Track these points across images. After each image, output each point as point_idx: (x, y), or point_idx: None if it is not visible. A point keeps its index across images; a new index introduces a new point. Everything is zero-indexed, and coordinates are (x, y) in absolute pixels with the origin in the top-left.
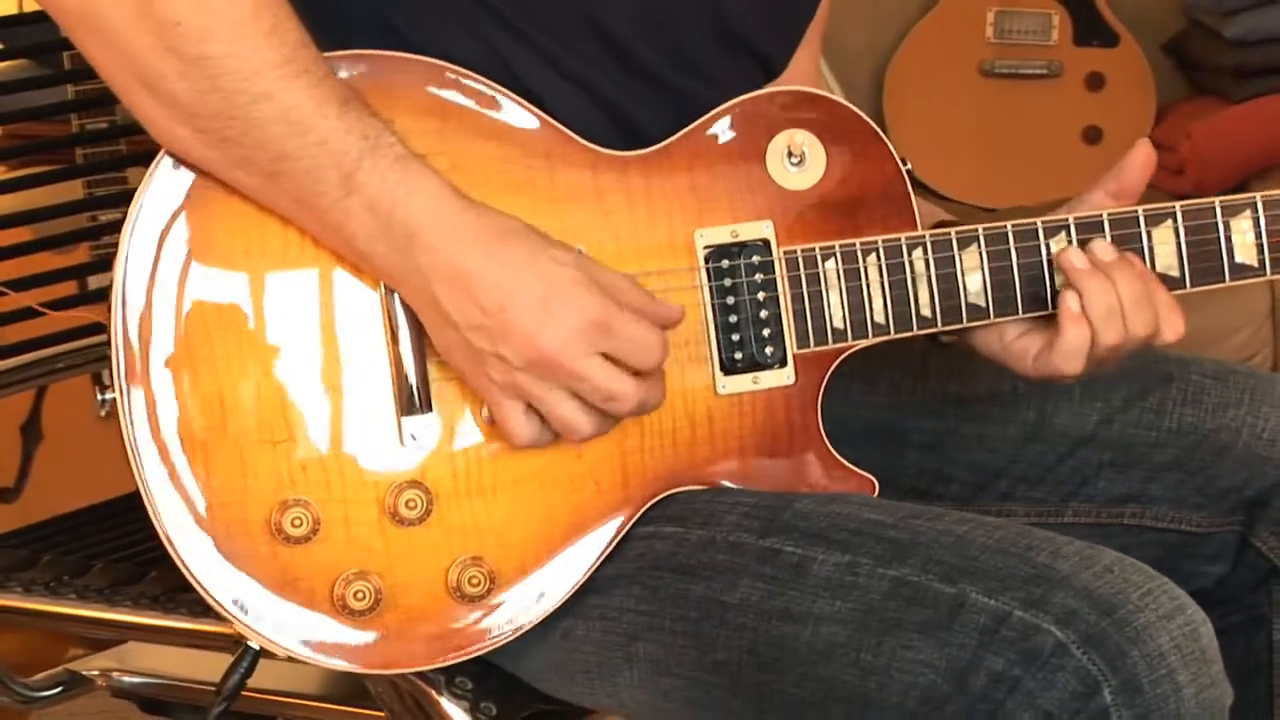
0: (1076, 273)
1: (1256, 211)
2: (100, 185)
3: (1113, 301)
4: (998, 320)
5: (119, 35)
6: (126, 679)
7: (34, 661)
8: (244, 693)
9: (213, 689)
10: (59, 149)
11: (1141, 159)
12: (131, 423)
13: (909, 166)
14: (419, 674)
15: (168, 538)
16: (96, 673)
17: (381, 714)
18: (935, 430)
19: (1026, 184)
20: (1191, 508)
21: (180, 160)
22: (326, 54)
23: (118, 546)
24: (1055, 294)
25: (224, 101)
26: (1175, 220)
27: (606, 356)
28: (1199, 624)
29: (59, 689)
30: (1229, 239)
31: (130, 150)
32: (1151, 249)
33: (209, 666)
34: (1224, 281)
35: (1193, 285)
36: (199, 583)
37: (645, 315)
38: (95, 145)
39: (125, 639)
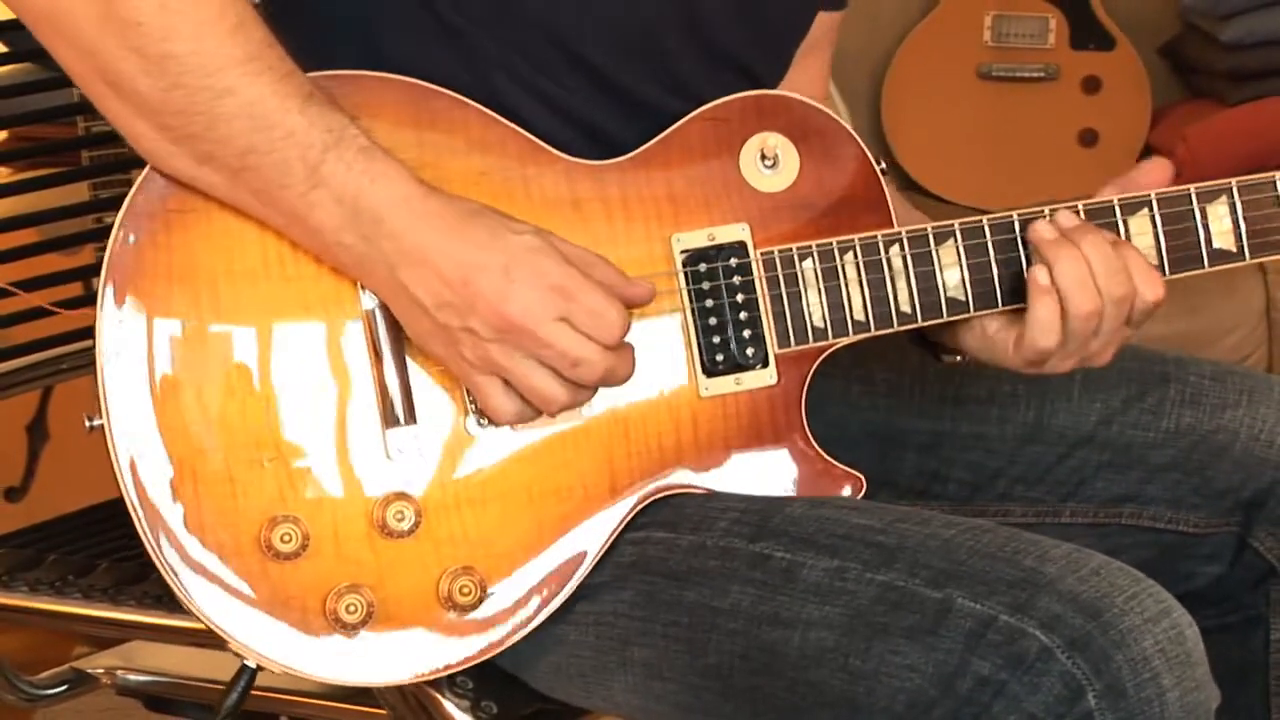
0: (1044, 244)
1: (1233, 197)
2: (105, 187)
3: (1081, 268)
4: (978, 314)
5: (82, 35)
6: (131, 677)
7: (39, 660)
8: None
9: (216, 686)
10: (64, 151)
11: (1156, 174)
12: (119, 447)
13: (883, 167)
14: None
15: (160, 558)
16: (101, 671)
17: (383, 712)
18: (933, 431)
19: (1023, 186)
20: (1189, 508)
21: (152, 164)
22: (308, 74)
23: (122, 546)
24: None
25: (187, 99)
26: (1151, 208)
27: (572, 325)
28: (1184, 627)
29: (64, 687)
30: (1206, 225)
31: (135, 152)
32: (1129, 238)
33: (212, 664)
34: (1204, 268)
35: (1172, 272)
36: (192, 602)
37: (614, 290)
38: (100, 147)
39: (129, 637)
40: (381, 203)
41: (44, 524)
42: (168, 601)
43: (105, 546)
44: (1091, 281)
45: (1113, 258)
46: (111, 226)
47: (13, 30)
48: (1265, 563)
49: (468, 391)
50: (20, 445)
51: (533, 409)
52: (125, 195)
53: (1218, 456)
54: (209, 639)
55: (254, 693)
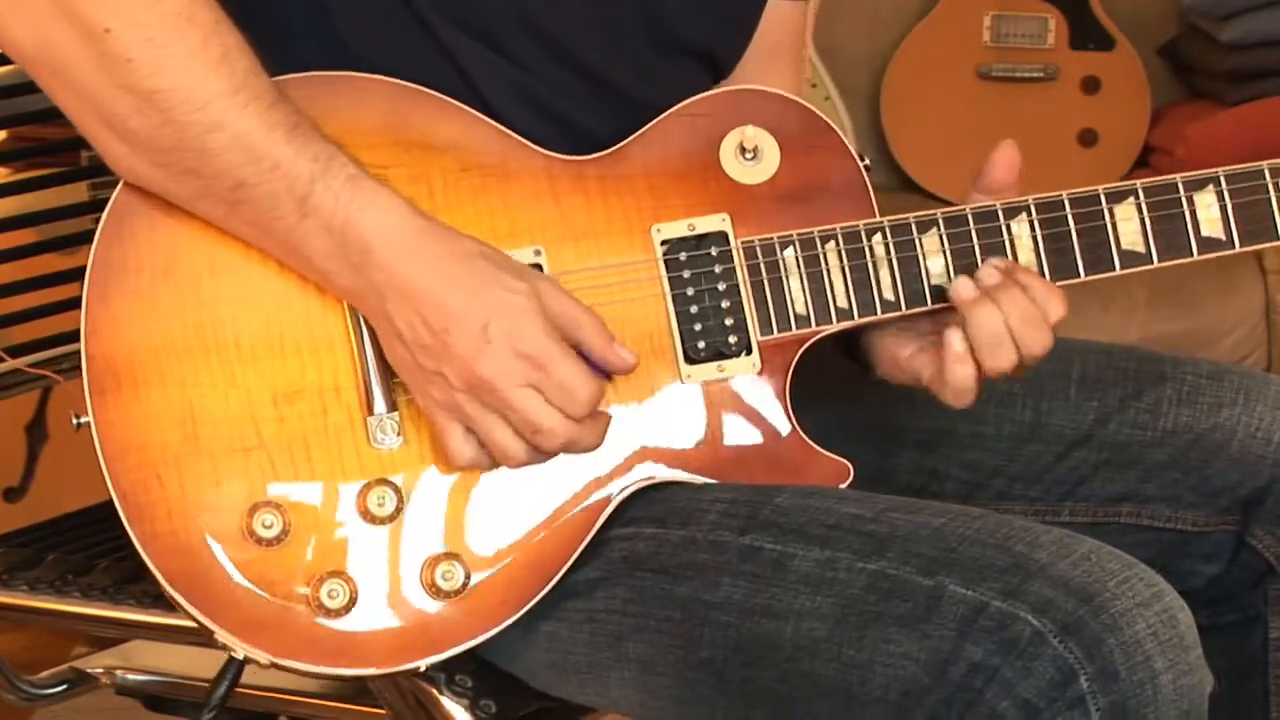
0: (964, 303)
1: (1220, 185)
2: (104, 188)
3: (999, 327)
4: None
5: (76, 76)
6: (130, 677)
7: (39, 659)
8: (246, 691)
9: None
10: (63, 151)
11: (1004, 159)
12: (102, 440)
13: (866, 163)
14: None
15: (144, 552)
16: (101, 670)
17: (383, 712)
18: (930, 429)
19: (1022, 186)
20: (1187, 507)
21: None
22: (275, 78)
23: (122, 545)
24: None
25: (178, 134)
26: (1137, 197)
27: (541, 394)
28: (1176, 611)
29: (64, 687)
30: (1193, 213)
31: None
32: (1115, 225)
33: (212, 664)
34: (1192, 256)
35: (1160, 260)
36: (175, 595)
37: (597, 352)
38: None
39: (129, 637)
40: (370, 233)
41: (44, 524)
42: (167, 600)
43: (105, 546)
44: (1010, 339)
45: (1030, 311)
46: None
47: None
48: (1264, 561)
49: None
50: (20, 445)
51: (489, 458)
52: None
53: (1215, 455)
54: (208, 638)
55: (252, 692)
